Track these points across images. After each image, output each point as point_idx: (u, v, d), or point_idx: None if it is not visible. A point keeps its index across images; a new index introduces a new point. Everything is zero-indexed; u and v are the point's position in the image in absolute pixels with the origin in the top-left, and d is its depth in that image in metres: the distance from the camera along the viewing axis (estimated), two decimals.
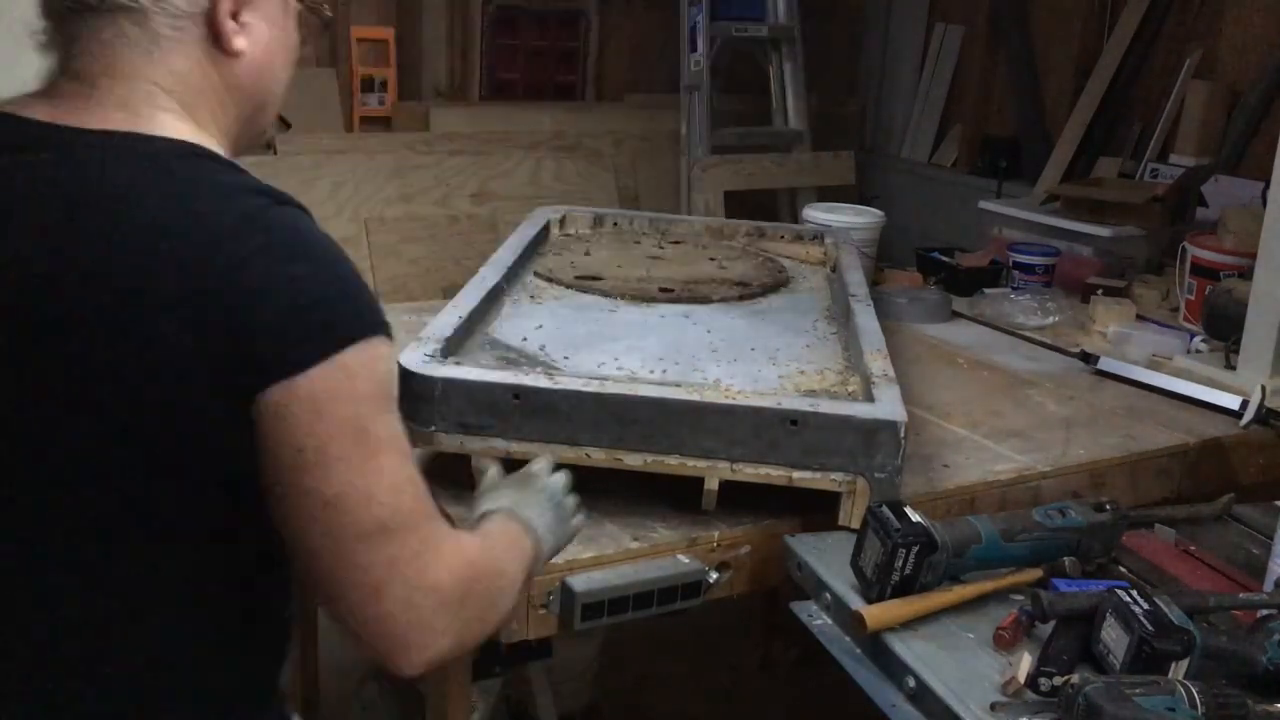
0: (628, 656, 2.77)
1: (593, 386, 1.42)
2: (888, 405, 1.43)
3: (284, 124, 3.43)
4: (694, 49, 3.60)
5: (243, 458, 0.90)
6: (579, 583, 1.32)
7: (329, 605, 0.95)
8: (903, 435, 1.38)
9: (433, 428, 1.41)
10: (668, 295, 1.95)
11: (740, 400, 1.41)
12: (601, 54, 4.00)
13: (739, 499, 1.45)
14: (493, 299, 1.84)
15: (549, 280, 2.01)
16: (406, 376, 1.40)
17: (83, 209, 0.90)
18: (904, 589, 1.23)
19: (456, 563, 0.97)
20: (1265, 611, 1.24)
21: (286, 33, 1.05)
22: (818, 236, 2.33)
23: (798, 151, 3.87)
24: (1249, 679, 1.15)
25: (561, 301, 1.95)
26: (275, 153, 3.38)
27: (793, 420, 1.38)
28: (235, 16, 0.98)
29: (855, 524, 1.37)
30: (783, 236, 2.38)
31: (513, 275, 1.99)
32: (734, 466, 1.40)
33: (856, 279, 1.98)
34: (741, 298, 1.96)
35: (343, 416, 0.89)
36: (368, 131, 3.61)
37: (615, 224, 2.42)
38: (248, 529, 0.95)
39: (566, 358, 1.61)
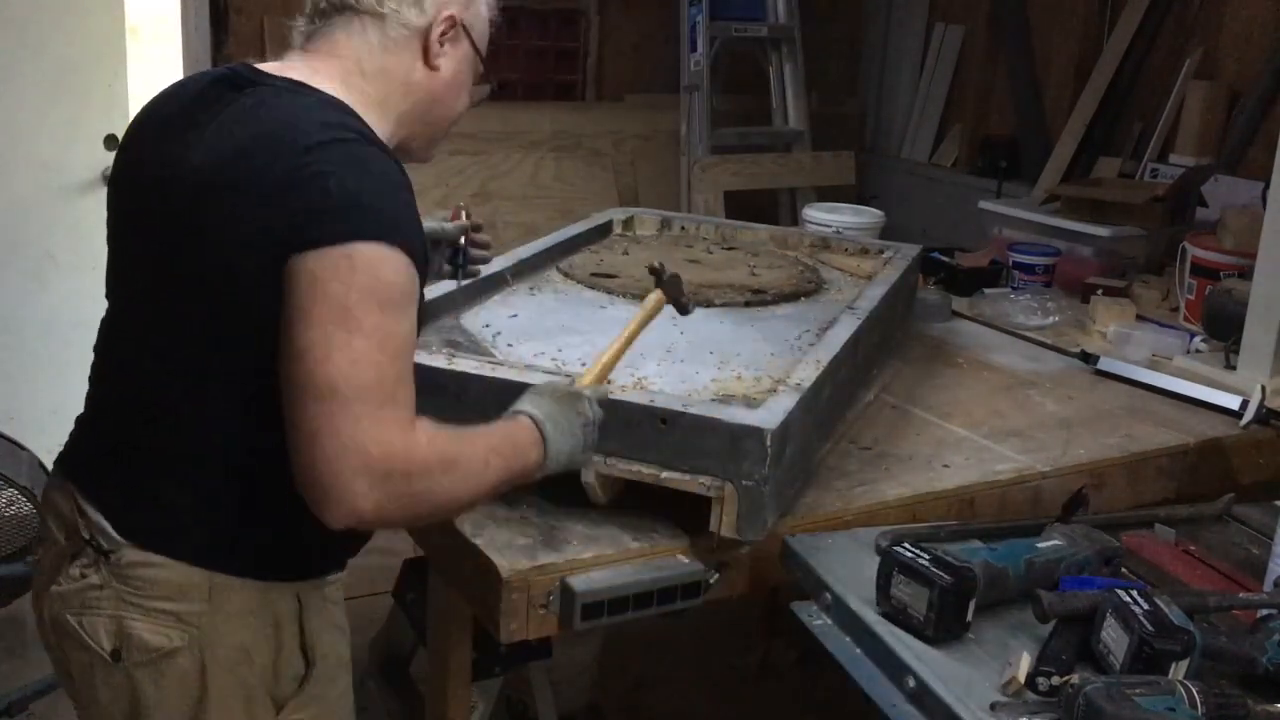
0: (627, 657, 2.77)
1: (484, 370, 1.45)
2: (763, 413, 1.39)
3: None
4: (694, 49, 3.60)
5: (275, 309, 1.11)
6: (579, 583, 1.32)
7: (289, 450, 1.11)
8: (769, 444, 1.33)
9: None
10: None
11: (612, 395, 1.40)
12: (601, 54, 4.00)
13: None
14: (487, 287, 1.89)
15: (565, 275, 2.05)
16: None
17: (240, 124, 1.16)
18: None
19: (396, 444, 1.10)
20: (1265, 611, 1.25)
21: (465, 79, 1.33)
22: (883, 251, 2.29)
23: (797, 151, 3.87)
24: (1249, 679, 1.15)
25: (558, 295, 1.98)
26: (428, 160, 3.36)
27: (663, 419, 1.36)
28: (442, 43, 1.28)
29: (725, 531, 1.35)
30: (846, 249, 2.35)
31: (529, 267, 2.04)
32: (608, 461, 1.40)
33: (874, 292, 1.94)
34: (748, 304, 1.96)
35: (332, 292, 1.09)
36: None
37: (682, 228, 2.44)
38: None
39: (510, 345, 1.66)
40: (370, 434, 1.09)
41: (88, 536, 1.21)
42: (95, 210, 3.99)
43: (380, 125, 1.25)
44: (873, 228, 2.82)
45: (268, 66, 1.26)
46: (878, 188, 4.12)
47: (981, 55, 3.87)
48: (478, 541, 1.37)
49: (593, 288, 2.01)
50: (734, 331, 1.83)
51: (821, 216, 2.84)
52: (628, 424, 1.37)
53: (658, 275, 1.49)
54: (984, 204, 3.24)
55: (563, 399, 1.30)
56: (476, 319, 1.80)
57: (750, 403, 1.46)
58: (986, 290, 2.62)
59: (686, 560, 1.40)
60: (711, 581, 1.40)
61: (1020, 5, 3.69)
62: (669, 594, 1.37)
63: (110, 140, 3.49)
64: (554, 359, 1.63)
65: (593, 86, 4.00)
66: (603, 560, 1.36)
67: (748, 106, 3.95)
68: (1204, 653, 1.12)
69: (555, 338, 1.73)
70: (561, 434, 1.27)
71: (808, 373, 1.52)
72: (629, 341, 1.44)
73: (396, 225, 1.13)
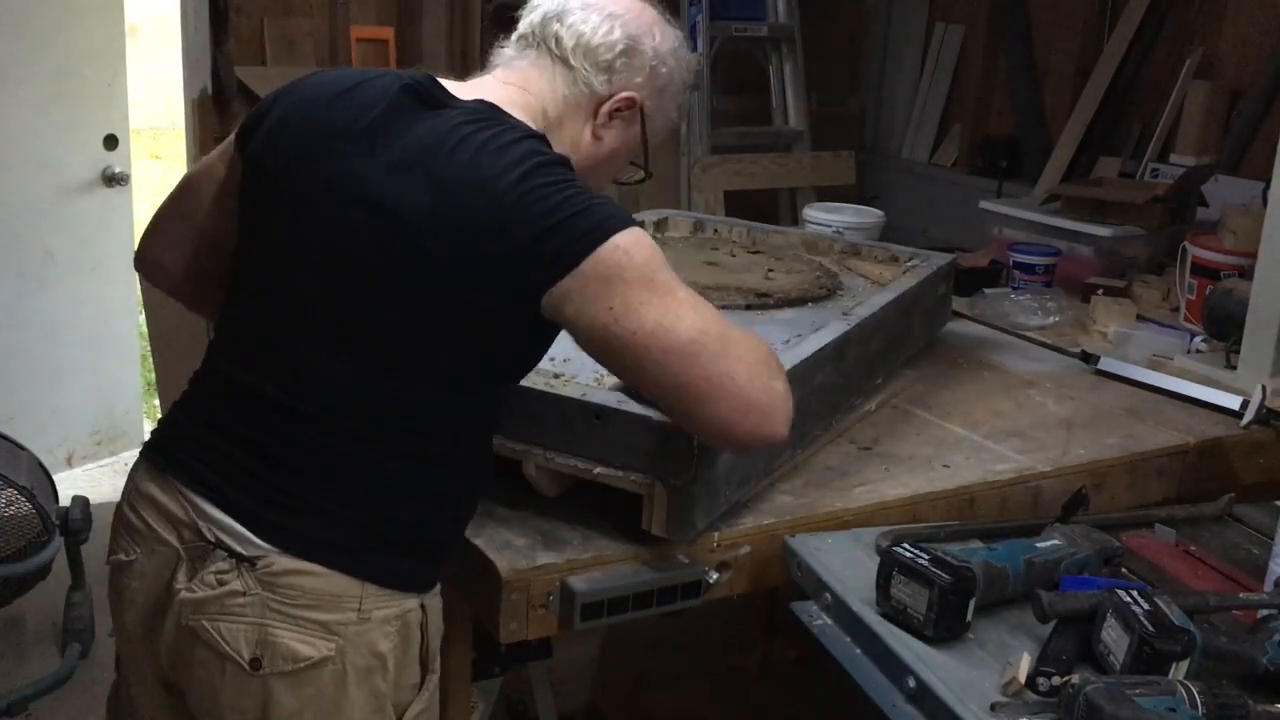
0: (628, 656, 2.77)
1: None
2: None
3: None
4: (694, 48, 3.60)
5: (513, 336, 1.21)
6: (579, 583, 1.32)
7: (690, 425, 1.23)
8: (695, 443, 1.31)
9: None
10: None
11: (547, 387, 1.41)
12: None
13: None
14: None
15: None
16: None
17: (442, 149, 1.19)
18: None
19: (763, 344, 1.24)
20: (1265, 611, 1.25)
21: (623, 157, 1.39)
22: (912, 259, 2.25)
23: (798, 151, 3.87)
24: (1249, 679, 1.15)
25: None
26: None
27: (597, 415, 1.37)
28: (610, 117, 1.33)
29: (655, 530, 1.35)
30: (876, 256, 2.32)
31: None
32: (547, 454, 1.40)
33: (878, 299, 1.91)
34: (749, 307, 1.96)
35: (631, 278, 1.16)
36: None
37: (715, 230, 2.45)
38: (488, 386, 1.26)
39: None
40: (751, 344, 1.21)
41: (213, 539, 1.19)
42: (95, 210, 4.03)
43: None
44: (873, 228, 2.82)
45: (456, 86, 1.29)
46: (878, 187, 4.12)
47: (982, 55, 3.87)
48: (477, 541, 1.37)
49: None
50: None
51: (821, 216, 2.84)
52: (565, 419, 1.38)
53: None
54: (984, 204, 3.23)
55: None
56: None
57: None
58: (987, 290, 2.62)
59: (686, 560, 1.40)
60: (711, 581, 1.40)
61: (1020, 5, 3.69)
62: (669, 594, 1.37)
63: (110, 140, 3.49)
64: None
65: None
66: (602, 560, 1.36)
67: (748, 106, 3.95)
68: (1204, 653, 1.12)
69: None
70: None
71: None
72: None
73: (619, 212, 1.20)
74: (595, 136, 1.33)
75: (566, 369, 1.58)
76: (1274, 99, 2.97)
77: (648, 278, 1.16)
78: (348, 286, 1.20)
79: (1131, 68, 3.37)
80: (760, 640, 2.92)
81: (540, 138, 1.24)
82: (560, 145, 1.29)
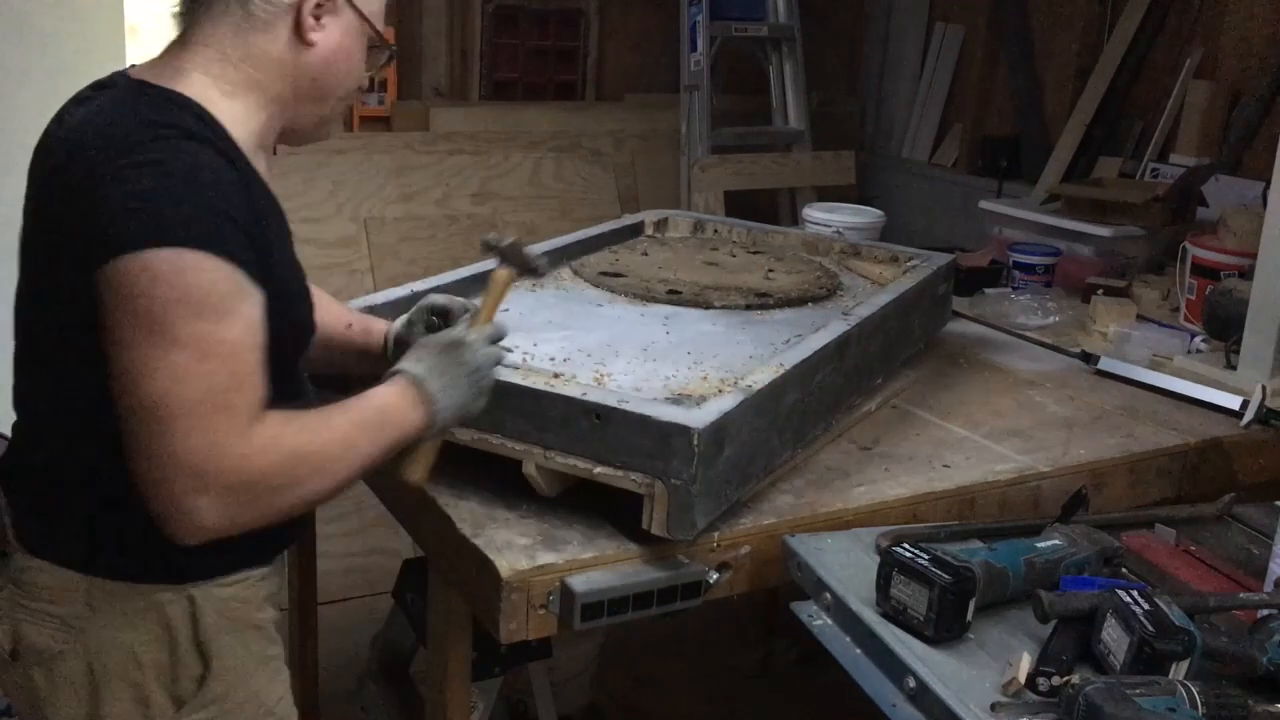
0: (627, 657, 2.77)
1: None
2: (697, 412, 1.37)
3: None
4: (694, 48, 3.60)
5: (92, 313, 1.10)
6: (579, 583, 1.32)
7: (130, 463, 1.12)
8: (696, 443, 1.31)
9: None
10: (670, 298, 1.96)
11: (547, 387, 1.40)
12: (601, 53, 3.99)
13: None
14: (487, 282, 1.90)
15: (575, 273, 2.06)
16: None
17: (67, 136, 1.16)
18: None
19: (230, 456, 1.10)
20: (1266, 611, 1.24)
21: (354, 49, 1.28)
22: (912, 259, 2.23)
23: (798, 151, 3.86)
24: (1249, 679, 1.15)
25: (560, 292, 1.99)
26: (274, 152, 3.37)
27: (597, 414, 1.36)
28: (317, 17, 1.23)
29: (655, 529, 1.35)
30: (876, 256, 2.32)
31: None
32: (547, 454, 1.40)
33: (877, 300, 1.91)
34: (749, 307, 1.96)
35: (139, 308, 1.07)
36: (367, 131, 3.60)
37: (715, 230, 2.44)
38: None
39: None
40: (202, 450, 1.08)
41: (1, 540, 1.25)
42: None
43: (253, 112, 1.23)
44: (873, 228, 2.82)
45: (139, 66, 1.24)
46: (878, 187, 4.12)
47: (982, 55, 3.87)
48: (477, 542, 1.37)
49: (597, 286, 2.02)
50: (723, 334, 1.83)
51: (821, 216, 2.84)
52: (565, 418, 1.38)
53: (491, 248, 1.46)
54: (984, 203, 3.23)
55: (444, 350, 1.29)
56: None
57: (696, 402, 1.45)
58: (987, 290, 2.62)
59: (686, 560, 1.39)
60: (711, 581, 1.40)
61: (1021, 5, 3.69)
62: (669, 594, 1.37)
63: None
64: (525, 354, 1.64)
65: (592, 86, 4.00)
66: (602, 560, 1.36)
67: (748, 106, 3.95)
68: (1204, 653, 1.12)
69: (536, 333, 1.74)
70: (446, 387, 1.27)
71: (764, 375, 1.51)
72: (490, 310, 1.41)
73: (195, 225, 1.09)
74: (308, 44, 1.23)
75: (566, 368, 1.59)
76: (1274, 99, 2.97)
77: (156, 316, 1.07)
78: (21, 298, 1.23)
79: (1131, 67, 3.38)
80: (760, 640, 2.92)
81: (179, 102, 1.17)
82: (267, 76, 1.23)
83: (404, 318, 1.55)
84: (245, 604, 1.29)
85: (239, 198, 1.14)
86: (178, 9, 1.25)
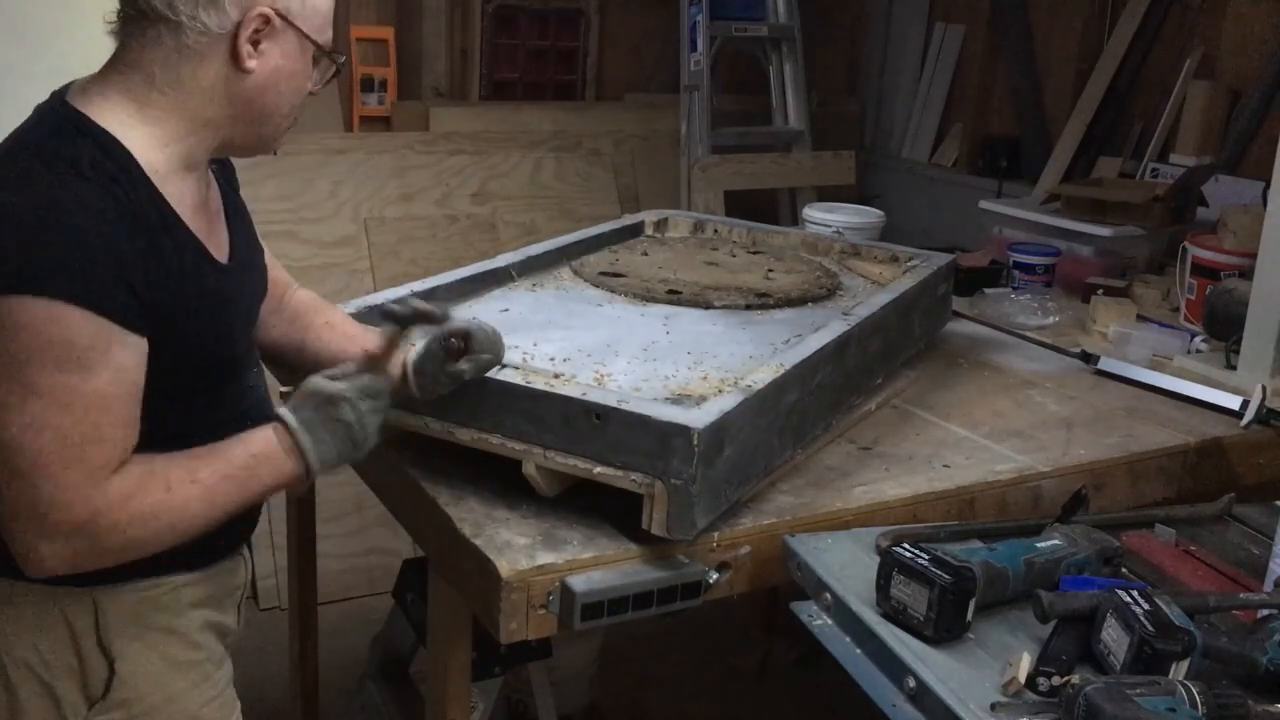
0: (628, 657, 2.77)
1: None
2: (696, 412, 1.37)
3: None
4: (694, 48, 3.60)
5: None
6: (579, 583, 1.32)
7: None
8: (696, 443, 1.31)
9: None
10: (670, 298, 1.96)
11: (547, 387, 1.40)
12: (601, 53, 3.99)
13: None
14: (489, 282, 1.94)
15: (575, 273, 2.07)
16: None
17: None
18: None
19: (78, 507, 1.10)
20: (1265, 611, 1.24)
21: (296, 68, 1.26)
22: (912, 259, 2.23)
23: (798, 151, 3.87)
24: (1249, 679, 1.15)
25: (560, 292, 1.99)
26: (275, 152, 3.37)
27: (597, 414, 1.36)
28: (255, 44, 1.20)
29: (655, 529, 1.34)
30: (875, 256, 2.31)
31: (541, 264, 2.07)
32: (547, 454, 1.40)
33: (877, 300, 1.91)
34: (749, 307, 1.96)
35: None
36: (367, 131, 3.60)
37: (715, 231, 2.45)
38: None
39: None
40: (49, 499, 1.09)
41: None
42: None
43: (179, 137, 1.21)
44: (873, 228, 2.82)
45: (83, 80, 1.23)
46: (878, 188, 4.12)
47: (982, 55, 3.87)
48: (477, 542, 1.37)
49: (597, 286, 2.02)
50: (724, 334, 1.83)
51: (821, 216, 2.84)
52: (565, 418, 1.38)
53: (390, 315, 1.37)
54: (984, 204, 3.23)
55: (323, 404, 1.26)
56: (467, 312, 1.81)
57: (696, 402, 1.45)
58: (987, 290, 2.62)
59: (686, 560, 1.39)
60: (711, 581, 1.40)
61: (1020, 5, 3.69)
62: (669, 594, 1.37)
63: None
64: (525, 354, 1.64)
65: (593, 86, 4.00)
66: (602, 560, 1.36)
67: (748, 106, 3.95)
68: (1204, 653, 1.12)
69: (536, 332, 1.74)
70: (322, 440, 1.25)
71: (764, 375, 1.51)
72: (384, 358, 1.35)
73: (61, 275, 1.07)
74: (245, 71, 1.20)
75: (566, 368, 1.58)
76: (1274, 99, 2.97)
77: (17, 364, 1.07)
78: None
79: (1132, 68, 3.38)
80: (760, 640, 2.92)
81: (81, 128, 1.16)
82: (196, 100, 1.20)
83: (421, 346, 1.43)
84: (161, 610, 1.29)
85: (124, 238, 1.12)
86: (111, 26, 1.22)
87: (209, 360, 1.26)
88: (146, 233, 1.15)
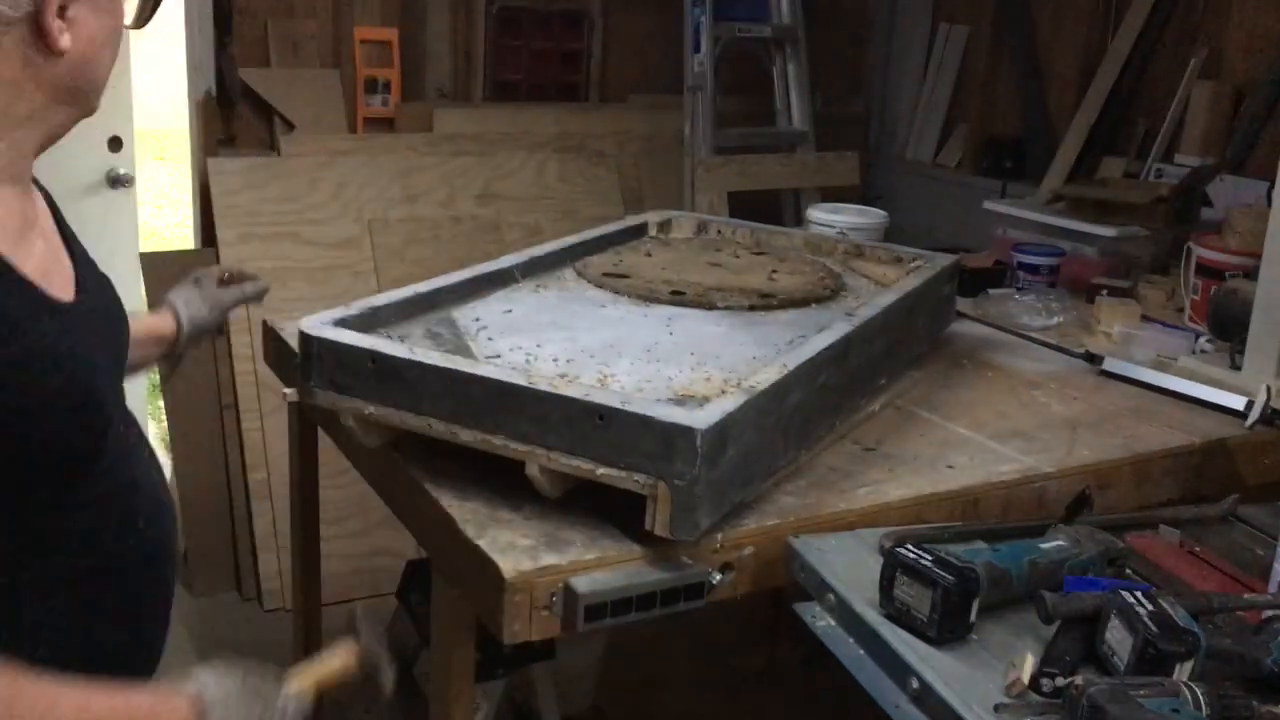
0: (631, 658, 2.77)
1: (433, 359, 1.47)
2: (699, 413, 1.36)
3: (288, 124, 3.43)
4: (697, 49, 3.60)
5: None
6: (582, 584, 1.32)
7: None
8: (699, 443, 1.31)
9: (311, 383, 1.55)
10: (673, 298, 1.96)
11: (550, 388, 1.40)
12: (605, 55, 3.99)
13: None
14: (493, 282, 1.94)
15: (579, 274, 2.07)
16: (303, 337, 1.56)
17: None
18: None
19: None
20: (1270, 612, 1.24)
21: (113, 20, 1.06)
22: (915, 259, 2.22)
23: (802, 152, 3.86)
24: (1254, 680, 1.15)
25: (563, 293, 1.99)
26: (279, 153, 3.38)
27: (600, 415, 1.36)
28: (62, 14, 0.99)
29: (658, 530, 1.34)
30: (879, 257, 2.31)
31: (545, 264, 2.08)
32: (550, 455, 1.40)
33: (881, 300, 1.90)
34: (752, 307, 1.96)
35: None
36: (371, 133, 3.61)
37: (719, 232, 2.45)
38: None
39: (491, 339, 1.68)
40: None
41: None
42: (100, 212, 4.04)
43: (25, 131, 1.02)
44: (877, 228, 2.82)
45: None
46: (882, 188, 4.12)
47: (986, 56, 3.87)
48: (480, 543, 1.37)
49: (600, 287, 2.02)
50: (727, 335, 1.83)
51: (825, 217, 2.84)
52: (568, 419, 1.38)
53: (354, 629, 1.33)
54: (988, 204, 3.23)
55: (247, 697, 1.07)
56: (471, 313, 1.82)
57: (699, 403, 1.45)
58: (991, 291, 2.62)
59: (690, 561, 1.39)
60: (715, 582, 1.40)
61: (1024, 5, 3.69)
62: (672, 595, 1.37)
63: (114, 142, 3.50)
64: (529, 354, 1.64)
65: (596, 87, 4.00)
66: (606, 561, 1.36)
67: (751, 107, 3.95)
68: (1209, 654, 1.12)
69: (539, 333, 1.74)
70: None
71: (767, 376, 1.50)
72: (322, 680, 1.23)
73: None
74: (57, 51, 0.99)
75: (569, 369, 1.59)
76: (1279, 99, 2.96)
77: None
78: None
79: (1136, 68, 3.37)
80: (764, 641, 2.92)
81: None
82: (7, 95, 1.00)
83: (187, 287, 1.63)
84: None
85: None
86: None
87: (66, 438, 1.01)
88: None
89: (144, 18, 1.12)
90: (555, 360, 1.64)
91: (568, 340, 1.73)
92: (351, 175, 3.41)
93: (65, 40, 0.99)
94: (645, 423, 1.34)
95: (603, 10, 3.93)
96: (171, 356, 1.61)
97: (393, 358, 1.49)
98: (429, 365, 1.46)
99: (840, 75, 4.30)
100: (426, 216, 3.49)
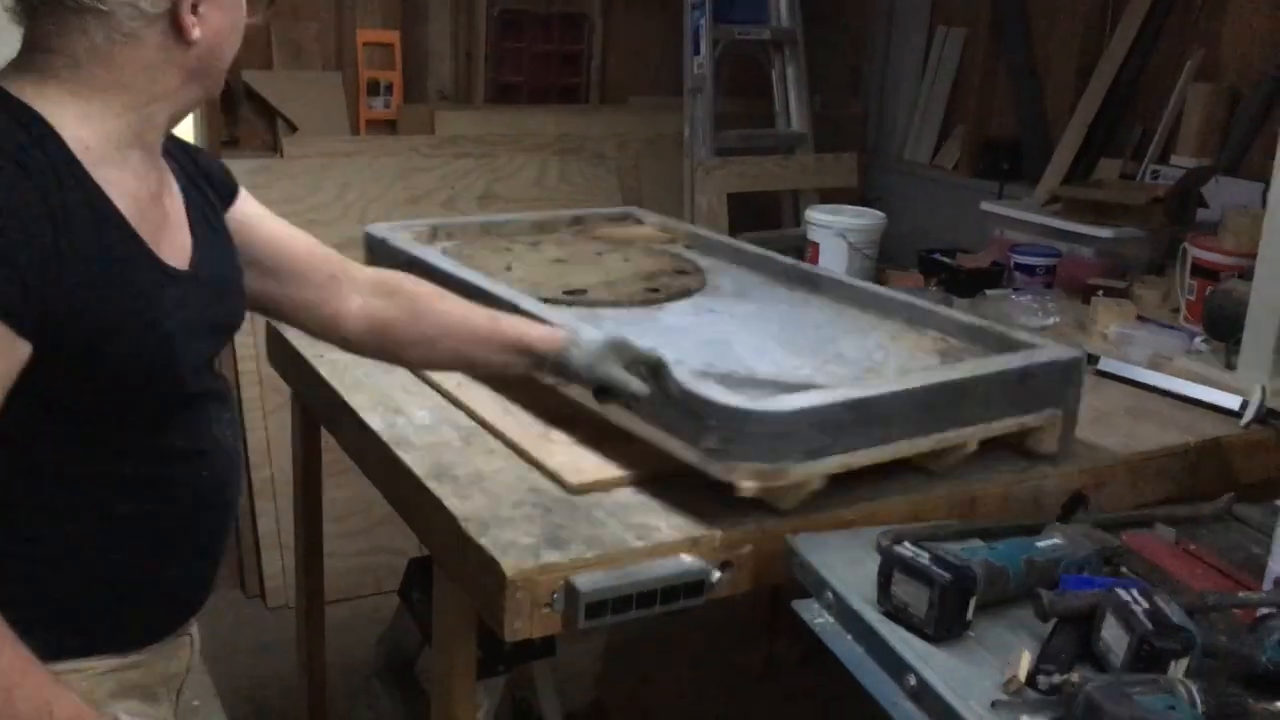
0: (632, 655, 2.78)
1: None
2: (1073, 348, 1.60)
3: (290, 126, 3.44)
4: (696, 52, 3.61)
5: None
6: (583, 582, 1.33)
7: None
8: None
9: None
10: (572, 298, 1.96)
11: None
12: (605, 57, 4.00)
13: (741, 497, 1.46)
14: None
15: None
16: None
17: None
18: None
19: None
20: (1265, 610, 1.25)
21: (238, 13, 1.17)
22: (629, 217, 2.41)
23: (800, 153, 3.87)
24: (1248, 678, 1.16)
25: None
26: (282, 155, 3.39)
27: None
28: (195, 9, 1.10)
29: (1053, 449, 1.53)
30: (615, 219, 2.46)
31: None
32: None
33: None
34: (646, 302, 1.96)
35: None
36: (373, 134, 3.62)
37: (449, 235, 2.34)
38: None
39: None
40: None
41: None
42: None
43: (120, 114, 1.09)
44: (874, 229, 2.83)
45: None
46: (880, 189, 4.13)
47: (983, 58, 3.88)
48: (482, 541, 1.38)
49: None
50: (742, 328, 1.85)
51: (824, 218, 2.85)
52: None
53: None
54: (985, 205, 3.24)
55: None
56: None
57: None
58: (988, 291, 2.63)
59: (689, 559, 1.41)
60: (714, 580, 1.41)
61: (1021, 8, 3.70)
62: (672, 593, 1.38)
63: None
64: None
65: (596, 89, 4.01)
66: (606, 559, 1.37)
67: (750, 109, 3.96)
68: (1204, 651, 1.13)
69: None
70: None
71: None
72: None
73: None
74: (190, 41, 1.09)
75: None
76: (1275, 100, 2.97)
77: None
78: None
79: (1132, 70, 3.38)
80: (763, 638, 2.93)
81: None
82: (137, 79, 1.09)
83: (593, 347, 1.39)
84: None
85: (24, 226, 0.99)
86: (11, 5, 1.09)
87: (141, 385, 1.10)
88: (62, 223, 1.01)
89: (259, 10, 1.22)
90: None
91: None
92: (353, 177, 3.42)
93: (197, 32, 1.10)
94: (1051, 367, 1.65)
95: (603, 12, 3.94)
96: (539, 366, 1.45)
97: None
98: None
99: (839, 77, 4.31)
100: (428, 218, 3.50)
